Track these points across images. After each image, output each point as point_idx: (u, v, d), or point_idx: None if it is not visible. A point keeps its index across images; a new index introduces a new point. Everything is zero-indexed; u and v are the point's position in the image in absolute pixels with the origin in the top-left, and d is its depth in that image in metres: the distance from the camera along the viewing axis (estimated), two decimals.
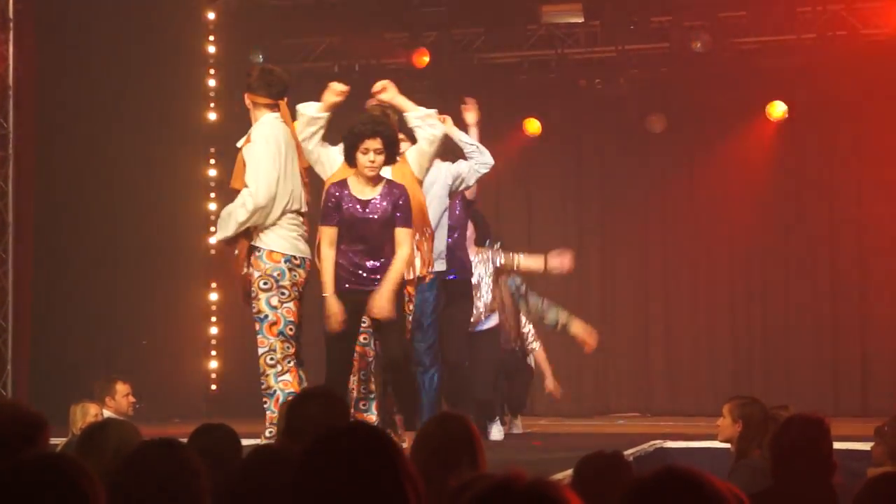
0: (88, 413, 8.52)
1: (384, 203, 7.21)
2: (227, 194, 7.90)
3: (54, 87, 11.24)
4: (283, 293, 7.22)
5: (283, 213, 7.33)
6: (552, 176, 13.91)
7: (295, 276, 7.26)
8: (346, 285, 7.20)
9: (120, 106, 11.86)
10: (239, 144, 7.51)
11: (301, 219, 7.47)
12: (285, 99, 7.60)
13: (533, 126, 13.37)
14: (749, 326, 13.54)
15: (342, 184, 7.27)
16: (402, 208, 7.23)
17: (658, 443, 9.41)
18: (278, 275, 7.23)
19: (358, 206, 7.20)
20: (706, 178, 13.61)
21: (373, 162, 7.11)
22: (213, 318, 13.53)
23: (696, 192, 13.66)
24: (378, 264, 7.22)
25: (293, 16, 13.27)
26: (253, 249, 7.33)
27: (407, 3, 13.31)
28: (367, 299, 7.13)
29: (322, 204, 7.32)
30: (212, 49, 13.61)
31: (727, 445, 6.91)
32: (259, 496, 3.36)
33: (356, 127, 7.15)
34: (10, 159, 10.66)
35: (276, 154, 7.33)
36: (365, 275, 7.22)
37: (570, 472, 4.52)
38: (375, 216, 7.21)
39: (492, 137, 8.27)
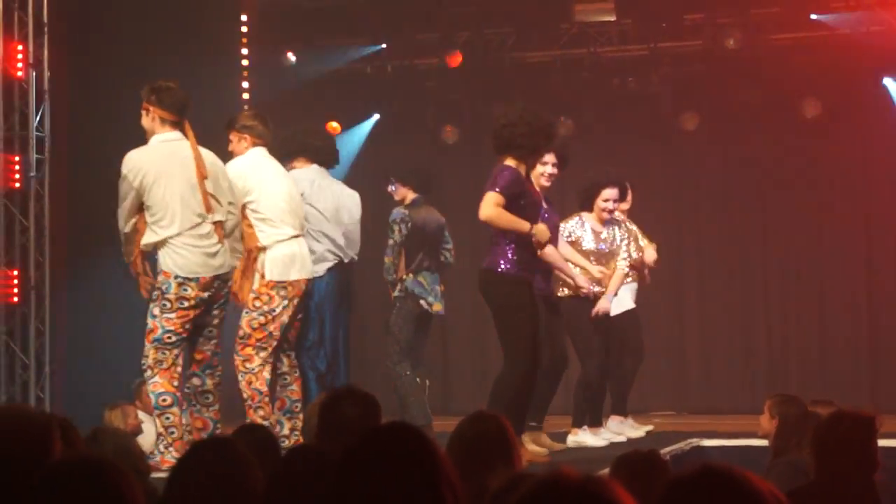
0: (129, 415, 8.56)
1: None
2: None
3: (88, 91, 11.28)
4: (165, 304, 7.39)
5: (179, 233, 7.43)
6: (585, 174, 13.84)
7: (185, 290, 7.41)
8: None
9: None
10: None
11: (207, 229, 7.53)
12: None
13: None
14: (785, 323, 13.47)
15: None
16: None
17: (695, 441, 9.37)
18: (165, 288, 7.41)
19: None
20: (740, 174, 13.54)
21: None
22: None
23: (729, 189, 13.59)
24: None
25: (326, 18, 13.28)
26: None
27: (439, 3, 13.31)
28: None
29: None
30: (245, 51, 13.62)
31: (765, 443, 6.89)
32: (298, 496, 3.37)
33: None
34: (46, 163, 10.71)
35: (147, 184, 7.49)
36: None
37: (606, 470, 4.51)
38: None
39: None
